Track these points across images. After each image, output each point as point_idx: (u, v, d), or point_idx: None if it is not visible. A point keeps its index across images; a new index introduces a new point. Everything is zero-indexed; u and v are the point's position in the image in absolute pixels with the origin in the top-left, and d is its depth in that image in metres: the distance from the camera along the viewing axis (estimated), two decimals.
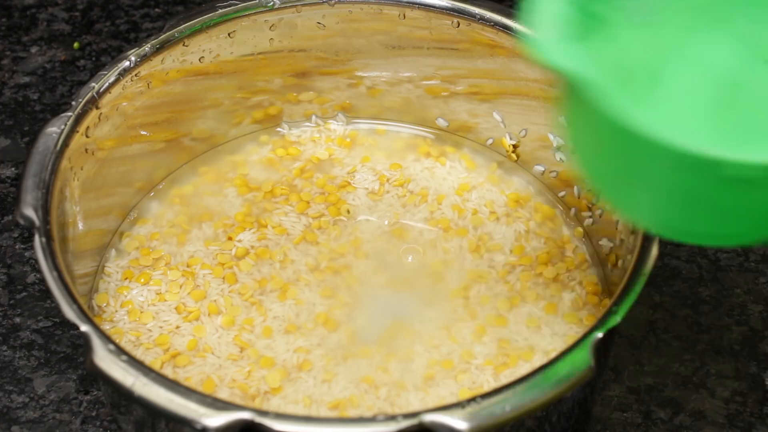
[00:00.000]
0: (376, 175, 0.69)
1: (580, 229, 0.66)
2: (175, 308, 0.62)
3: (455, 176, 0.69)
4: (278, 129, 0.72)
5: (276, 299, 0.63)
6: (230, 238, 0.66)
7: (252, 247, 0.65)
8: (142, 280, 0.64)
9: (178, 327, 0.62)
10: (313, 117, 0.72)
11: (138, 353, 0.60)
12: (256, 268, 0.64)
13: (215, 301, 0.63)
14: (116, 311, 0.62)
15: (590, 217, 0.66)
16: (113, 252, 0.65)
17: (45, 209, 0.57)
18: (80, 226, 0.62)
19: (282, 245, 0.65)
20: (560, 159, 0.68)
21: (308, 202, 0.67)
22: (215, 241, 0.66)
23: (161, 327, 0.62)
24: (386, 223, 0.67)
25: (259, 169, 0.70)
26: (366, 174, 0.69)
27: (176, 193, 0.68)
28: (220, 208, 0.67)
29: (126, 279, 0.64)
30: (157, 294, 0.63)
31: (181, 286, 0.63)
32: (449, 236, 0.66)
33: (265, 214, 0.67)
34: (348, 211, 0.67)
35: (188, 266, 0.64)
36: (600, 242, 0.65)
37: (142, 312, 0.62)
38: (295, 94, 0.71)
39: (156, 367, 0.59)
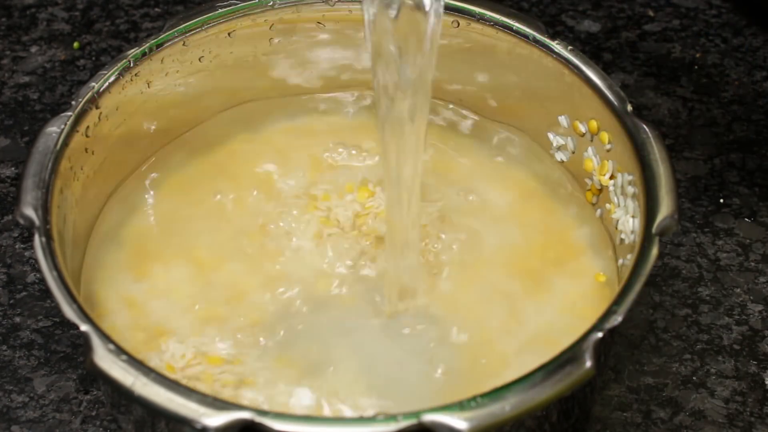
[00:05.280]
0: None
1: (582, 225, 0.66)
2: (176, 302, 0.62)
3: (457, 166, 0.69)
4: (277, 126, 0.72)
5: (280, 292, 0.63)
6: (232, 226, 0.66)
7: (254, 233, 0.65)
8: (142, 273, 0.64)
9: (178, 323, 0.62)
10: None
11: (137, 350, 0.60)
12: (257, 259, 0.64)
13: (218, 291, 0.63)
14: (116, 306, 0.62)
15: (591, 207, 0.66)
16: (112, 245, 0.65)
17: (45, 209, 0.57)
18: (79, 221, 0.62)
19: (283, 236, 0.66)
20: (560, 159, 0.68)
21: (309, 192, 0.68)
22: (216, 233, 0.66)
23: (161, 322, 0.62)
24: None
25: (257, 160, 0.70)
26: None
27: (176, 186, 0.68)
28: (220, 201, 0.67)
29: (125, 272, 0.64)
30: (157, 287, 0.63)
31: (181, 279, 0.63)
32: (450, 227, 0.66)
33: (263, 207, 0.67)
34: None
35: (188, 258, 0.64)
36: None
37: (141, 306, 0.62)
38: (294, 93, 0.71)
39: (155, 363, 0.59)
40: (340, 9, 0.68)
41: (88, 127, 0.62)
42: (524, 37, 0.65)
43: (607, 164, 0.64)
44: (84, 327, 0.52)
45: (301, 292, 0.63)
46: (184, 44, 0.66)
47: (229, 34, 0.67)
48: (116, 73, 0.64)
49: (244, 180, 0.68)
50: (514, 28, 0.66)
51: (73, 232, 0.61)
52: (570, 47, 0.65)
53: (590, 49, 0.83)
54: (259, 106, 0.71)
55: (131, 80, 0.64)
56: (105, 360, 0.51)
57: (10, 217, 0.73)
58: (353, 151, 0.70)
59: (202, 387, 0.58)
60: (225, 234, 0.66)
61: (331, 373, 0.59)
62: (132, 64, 0.64)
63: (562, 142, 0.67)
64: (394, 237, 0.61)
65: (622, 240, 0.62)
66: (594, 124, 0.64)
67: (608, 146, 0.64)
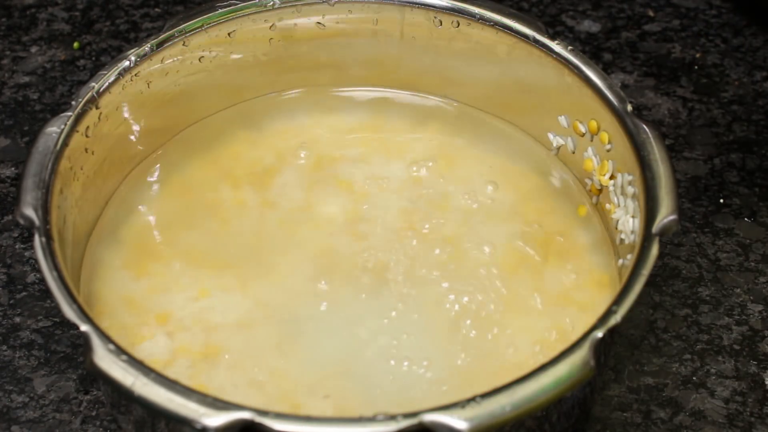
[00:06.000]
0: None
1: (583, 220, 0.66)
2: (176, 299, 0.62)
3: (456, 165, 0.69)
4: (277, 126, 0.72)
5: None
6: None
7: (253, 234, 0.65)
8: (142, 272, 0.64)
9: (178, 320, 0.61)
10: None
11: (137, 348, 0.60)
12: (257, 258, 0.64)
13: (217, 291, 0.63)
14: (115, 305, 0.62)
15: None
16: (112, 244, 0.65)
17: (45, 209, 0.57)
18: (79, 221, 0.62)
19: (283, 234, 0.66)
20: (560, 160, 0.68)
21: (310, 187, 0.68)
22: (215, 232, 0.65)
23: (161, 319, 0.62)
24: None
25: (257, 160, 0.70)
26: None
27: (176, 186, 0.68)
28: (220, 200, 0.67)
29: (125, 271, 0.64)
30: (156, 286, 0.63)
31: (180, 278, 0.63)
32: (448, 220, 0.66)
33: (263, 206, 0.67)
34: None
35: (187, 257, 0.64)
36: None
37: (141, 305, 0.62)
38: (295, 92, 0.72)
39: (156, 364, 0.59)
40: (340, 9, 0.68)
41: (88, 127, 0.62)
42: (524, 37, 0.65)
43: (607, 164, 0.64)
44: (84, 327, 0.52)
45: (300, 289, 0.63)
46: (184, 44, 0.66)
47: (229, 34, 0.67)
48: (116, 73, 0.64)
49: (244, 179, 0.68)
50: (514, 28, 0.66)
51: (73, 232, 0.61)
52: (570, 47, 0.65)
53: (590, 49, 0.83)
54: (259, 106, 0.71)
55: (131, 80, 0.64)
56: (105, 360, 0.51)
57: (10, 217, 0.73)
58: (353, 151, 0.70)
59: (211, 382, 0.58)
60: (224, 233, 0.66)
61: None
62: (132, 64, 0.64)
63: (562, 142, 0.67)
64: None
65: (622, 240, 0.62)
66: (594, 124, 0.64)
67: (608, 146, 0.64)
